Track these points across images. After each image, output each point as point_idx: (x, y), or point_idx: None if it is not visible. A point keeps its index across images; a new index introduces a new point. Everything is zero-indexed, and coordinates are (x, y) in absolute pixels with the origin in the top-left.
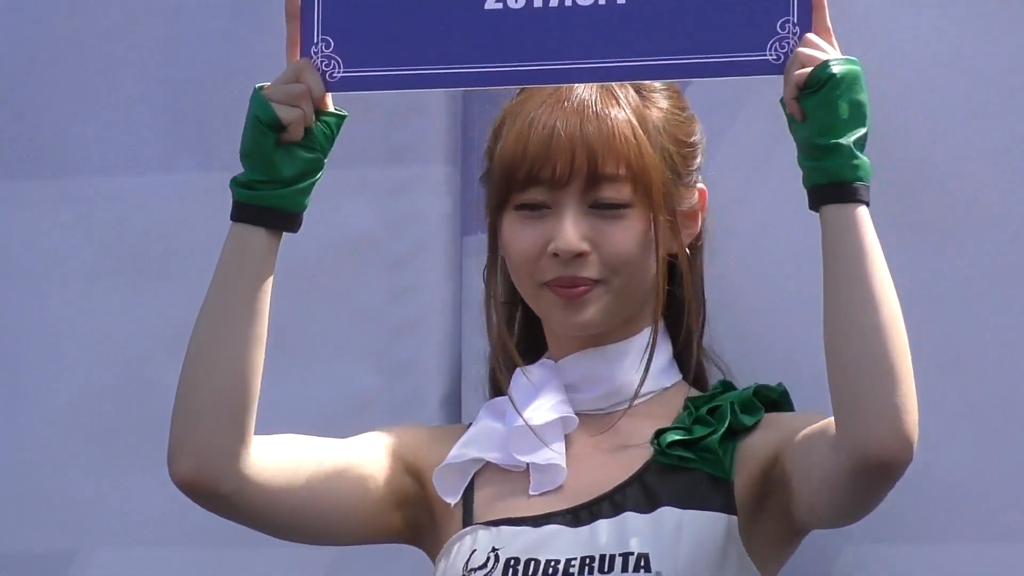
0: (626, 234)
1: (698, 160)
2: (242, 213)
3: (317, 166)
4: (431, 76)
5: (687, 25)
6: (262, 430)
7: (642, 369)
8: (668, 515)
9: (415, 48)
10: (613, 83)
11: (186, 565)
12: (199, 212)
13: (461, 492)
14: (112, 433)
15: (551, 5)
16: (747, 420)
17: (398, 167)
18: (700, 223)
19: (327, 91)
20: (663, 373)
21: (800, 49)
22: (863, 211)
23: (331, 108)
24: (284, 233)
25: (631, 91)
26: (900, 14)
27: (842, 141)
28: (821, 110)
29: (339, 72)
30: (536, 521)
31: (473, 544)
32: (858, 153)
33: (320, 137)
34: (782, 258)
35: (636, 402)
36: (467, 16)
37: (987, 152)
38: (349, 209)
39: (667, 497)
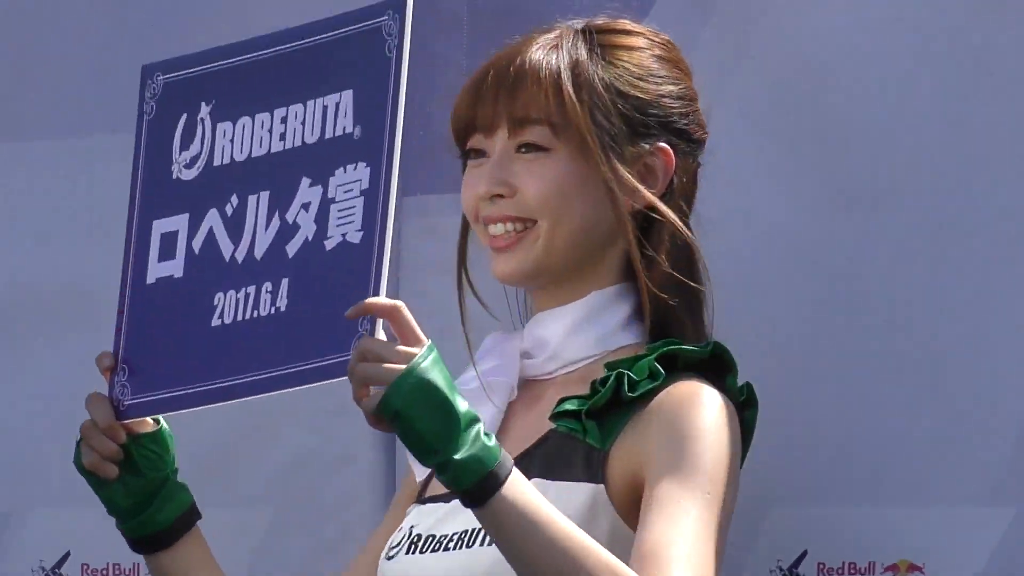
0: (545, 176)
1: (666, 119)
2: (128, 544)
3: (157, 486)
4: (202, 393)
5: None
6: None
7: (583, 333)
8: (536, 486)
9: (187, 369)
10: (573, 38)
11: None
12: None
13: (426, 472)
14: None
15: (227, 322)
16: (640, 388)
17: None
18: (664, 182)
19: (117, 419)
20: (611, 336)
21: (358, 366)
22: (502, 499)
23: (150, 427)
24: None
25: (585, 46)
26: None
27: (443, 459)
28: (407, 439)
29: (128, 399)
30: (447, 497)
31: (403, 523)
32: (464, 456)
33: (143, 462)
34: (723, 212)
35: (574, 368)
36: (204, 334)
37: (919, 120)
38: None
39: (539, 468)
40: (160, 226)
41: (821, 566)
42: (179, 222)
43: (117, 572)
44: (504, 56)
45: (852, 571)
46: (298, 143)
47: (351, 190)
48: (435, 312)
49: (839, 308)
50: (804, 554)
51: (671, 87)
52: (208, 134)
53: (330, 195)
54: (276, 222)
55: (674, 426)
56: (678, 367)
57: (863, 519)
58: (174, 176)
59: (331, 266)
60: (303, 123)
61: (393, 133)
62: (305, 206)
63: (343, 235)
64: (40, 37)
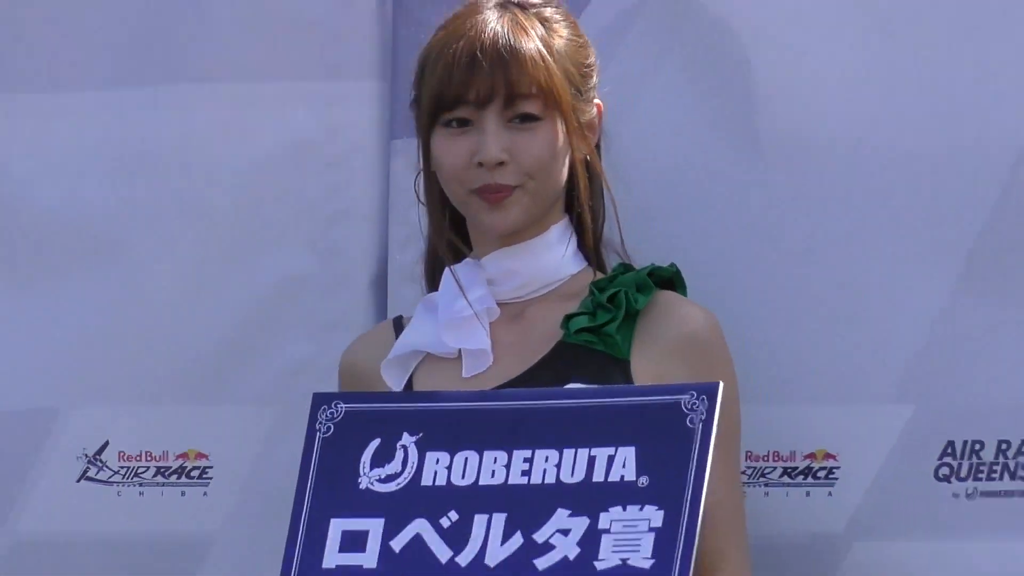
0: (540, 143)
1: (594, 80)
2: None
3: None
4: None
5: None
6: (220, 301)
7: (549, 261)
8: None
9: None
10: (520, 16)
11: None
12: (171, 121)
13: (404, 381)
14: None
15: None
16: (641, 301)
17: (335, 81)
18: (598, 132)
19: None
20: (570, 261)
21: None
22: None
23: None
24: (236, 134)
25: (536, 23)
26: None
27: None
28: None
29: None
30: None
31: None
32: None
33: None
34: (661, 156)
35: (547, 289)
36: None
37: (838, 78)
38: (291, 117)
39: (576, 374)
40: (341, 524)
41: (750, 454)
42: (371, 524)
43: (148, 458)
44: (481, 33)
45: (776, 458)
46: (550, 481)
47: (635, 526)
48: (417, 238)
49: (764, 236)
50: None
51: (590, 50)
52: (414, 459)
53: (602, 526)
54: (519, 539)
55: (708, 354)
56: (653, 282)
57: (787, 415)
58: (363, 487)
59: None
60: (557, 466)
61: (698, 493)
62: (563, 531)
63: (623, 560)
64: None
